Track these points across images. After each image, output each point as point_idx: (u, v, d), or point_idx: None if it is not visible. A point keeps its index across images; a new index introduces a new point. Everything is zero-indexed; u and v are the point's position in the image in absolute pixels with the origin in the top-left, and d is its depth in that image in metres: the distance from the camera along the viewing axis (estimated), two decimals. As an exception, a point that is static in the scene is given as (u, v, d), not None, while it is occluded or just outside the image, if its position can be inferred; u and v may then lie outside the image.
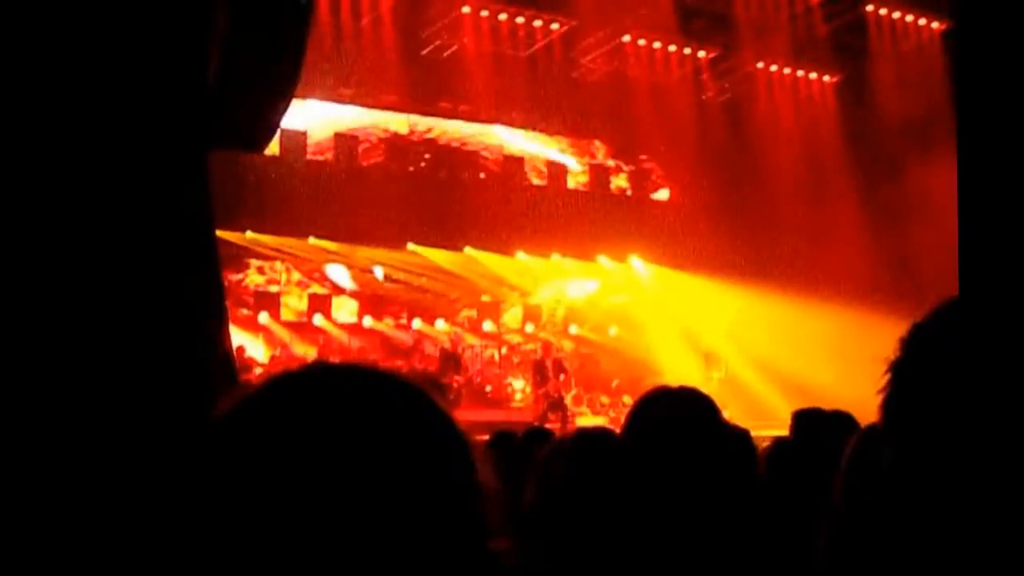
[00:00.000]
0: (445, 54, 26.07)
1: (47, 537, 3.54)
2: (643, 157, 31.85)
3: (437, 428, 1.37)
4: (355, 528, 1.25)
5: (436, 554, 1.29)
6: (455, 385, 23.99)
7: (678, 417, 3.18)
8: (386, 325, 28.34)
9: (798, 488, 4.15)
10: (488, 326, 29.63)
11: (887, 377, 1.58)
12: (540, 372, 24.36)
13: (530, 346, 29.30)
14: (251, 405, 1.35)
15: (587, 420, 23.88)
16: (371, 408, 1.33)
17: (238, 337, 22.85)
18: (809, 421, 4.83)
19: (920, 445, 1.51)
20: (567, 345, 29.60)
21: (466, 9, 24.33)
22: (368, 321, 27.96)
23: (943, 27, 25.13)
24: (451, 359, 24.85)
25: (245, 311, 26.09)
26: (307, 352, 25.73)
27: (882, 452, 1.60)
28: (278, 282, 27.82)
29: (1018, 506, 1.41)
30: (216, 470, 1.31)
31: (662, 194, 31.97)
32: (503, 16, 24.91)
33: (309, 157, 27.34)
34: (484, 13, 24.74)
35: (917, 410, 1.53)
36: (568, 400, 24.83)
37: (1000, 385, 1.44)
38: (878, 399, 1.62)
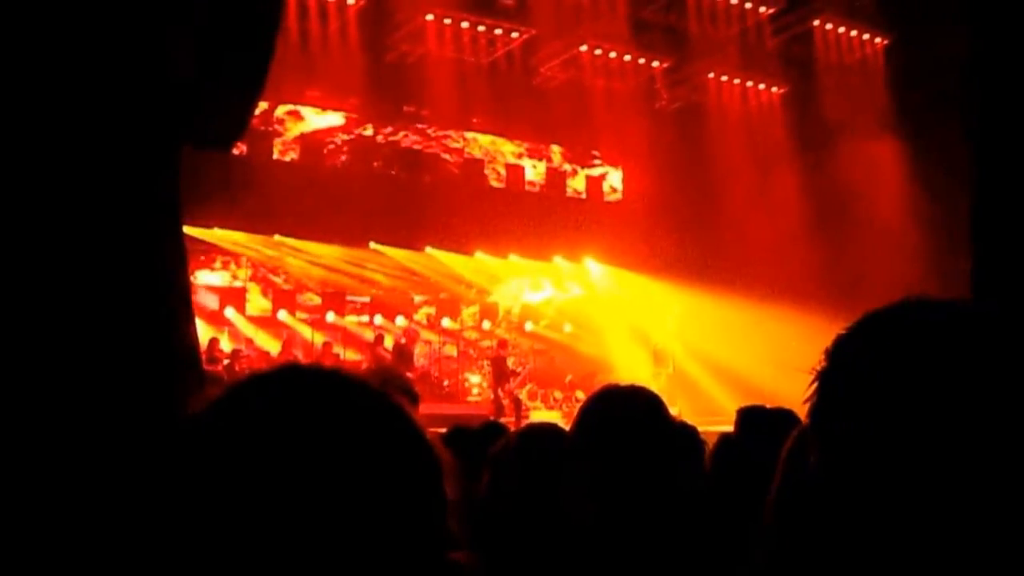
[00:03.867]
0: (409, 60, 26.06)
1: (15, 526, 3.50)
2: (598, 162, 32.00)
3: (405, 439, 1.36)
4: (317, 531, 1.24)
5: (395, 560, 1.28)
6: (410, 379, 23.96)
7: (626, 414, 3.18)
8: (348, 321, 28.33)
9: (742, 482, 4.17)
10: (447, 323, 29.66)
11: (813, 386, 1.60)
12: (499, 368, 24.43)
13: (487, 343, 29.40)
14: (223, 409, 1.34)
15: (541, 415, 23.95)
16: (341, 417, 1.32)
17: (205, 331, 22.77)
18: (752, 417, 4.84)
19: (842, 453, 1.52)
20: (523, 343, 29.67)
21: (429, 17, 24.31)
22: (331, 316, 27.93)
23: (886, 42, 25.36)
24: (402, 354, 24.81)
25: (211, 306, 25.99)
26: (271, 346, 25.71)
27: (810, 457, 1.61)
28: (244, 278, 27.75)
29: (934, 515, 1.42)
30: (184, 471, 1.30)
31: (616, 197, 32.10)
32: (465, 24, 24.91)
33: (275, 157, 27.31)
34: (447, 21, 24.73)
35: (839, 419, 1.54)
36: (523, 395, 24.92)
37: (919, 396, 1.45)
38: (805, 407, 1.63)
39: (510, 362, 25.26)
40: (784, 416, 4.68)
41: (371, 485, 1.28)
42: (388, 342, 26.35)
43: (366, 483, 1.28)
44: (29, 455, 3.78)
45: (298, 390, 1.35)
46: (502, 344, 25.69)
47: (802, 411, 1.65)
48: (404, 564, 1.29)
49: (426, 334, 29.16)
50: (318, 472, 1.26)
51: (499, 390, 24.23)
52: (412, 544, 1.30)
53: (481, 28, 25.11)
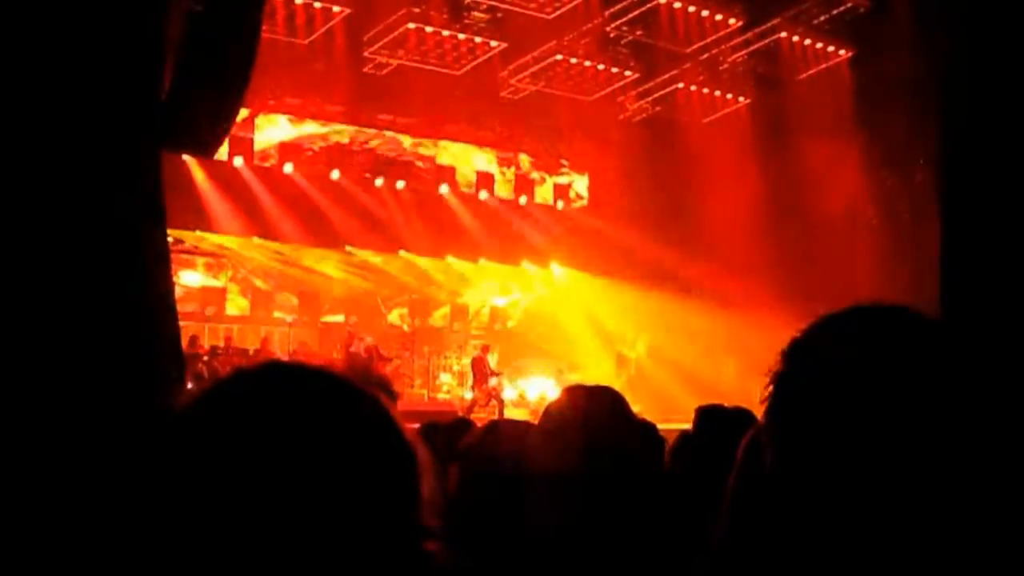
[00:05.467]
0: (385, 71, 26.02)
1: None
2: (565, 170, 32.05)
3: (385, 434, 1.37)
4: (299, 523, 1.25)
5: (373, 550, 1.29)
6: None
7: (590, 410, 3.20)
8: (324, 320, 28.33)
9: (700, 477, 4.18)
10: (418, 323, 29.69)
11: (769, 388, 1.61)
12: (479, 368, 24.46)
13: (457, 342, 29.50)
14: (209, 403, 1.34)
15: (508, 411, 23.97)
16: (322, 412, 1.33)
17: (185, 329, 22.74)
18: (711, 416, 4.87)
19: (796, 451, 1.54)
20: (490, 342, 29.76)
21: (407, 28, 24.23)
22: (307, 316, 27.93)
23: (849, 54, 25.41)
24: (373, 356, 24.85)
25: (192, 305, 25.92)
26: (250, 344, 25.67)
27: (765, 456, 1.62)
28: (224, 278, 27.73)
29: (883, 512, 1.44)
30: (170, 464, 1.30)
31: (581, 204, 32.15)
32: (440, 36, 24.80)
33: (256, 163, 27.27)
34: (423, 34, 24.62)
35: (794, 420, 1.56)
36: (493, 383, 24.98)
37: (870, 398, 1.47)
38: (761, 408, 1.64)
39: (492, 362, 25.24)
40: (741, 415, 4.71)
41: (352, 477, 1.29)
42: (365, 341, 26.43)
43: (347, 475, 1.29)
44: (12, 449, 3.77)
45: (281, 385, 1.36)
46: (485, 348, 25.73)
47: (759, 410, 1.66)
48: (382, 554, 1.30)
49: (398, 333, 29.23)
50: (300, 465, 1.26)
51: (477, 389, 24.34)
52: (390, 535, 1.31)
53: (455, 41, 25.05)
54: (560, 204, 31.82)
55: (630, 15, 24.31)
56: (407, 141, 29.56)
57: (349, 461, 1.30)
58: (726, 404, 5.01)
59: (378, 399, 1.40)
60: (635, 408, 3.55)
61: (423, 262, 29.39)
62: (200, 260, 27.16)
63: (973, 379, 1.48)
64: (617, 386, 3.71)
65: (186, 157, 22.11)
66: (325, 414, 1.33)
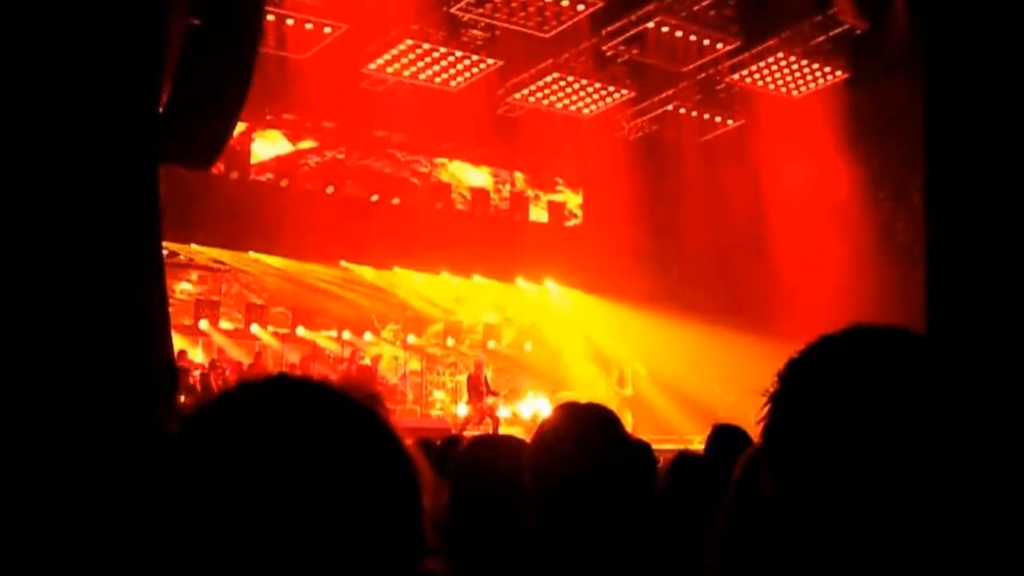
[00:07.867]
0: (381, 87, 26.05)
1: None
2: (560, 188, 32.11)
3: (388, 449, 1.37)
4: (300, 537, 1.24)
5: (376, 566, 1.29)
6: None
7: (584, 428, 3.19)
8: (318, 336, 28.32)
9: (696, 497, 4.18)
10: (412, 339, 29.67)
11: (766, 408, 1.61)
12: (475, 385, 24.47)
13: (451, 359, 29.51)
14: (215, 416, 1.34)
15: (503, 429, 23.98)
16: (328, 426, 1.33)
17: (179, 343, 22.73)
18: (722, 436, 4.89)
19: (793, 473, 1.54)
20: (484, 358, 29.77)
21: (402, 46, 24.26)
22: (301, 331, 27.91)
23: (844, 76, 25.42)
24: (368, 369, 24.88)
25: (186, 319, 25.88)
26: (243, 359, 25.65)
27: (762, 478, 1.62)
28: (218, 292, 27.72)
29: (881, 535, 1.44)
30: (175, 478, 1.29)
31: (576, 222, 32.20)
32: (436, 54, 24.79)
33: (252, 177, 27.28)
34: (419, 51, 24.63)
35: (791, 441, 1.55)
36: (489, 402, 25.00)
37: (866, 420, 1.47)
38: (758, 428, 1.64)
39: (488, 379, 25.23)
40: (740, 434, 4.72)
41: (356, 492, 1.29)
42: (365, 358, 26.48)
43: (352, 490, 1.29)
44: (3, 460, 3.75)
45: (287, 399, 1.36)
46: (480, 365, 25.74)
47: (755, 432, 1.66)
48: (386, 567, 1.29)
49: (392, 350, 29.21)
50: (308, 477, 1.26)
51: (472, 406, 24.37)
52: (393, 548, 1.30)
53: (452, 58, 25.08)
54: (555, 222, 31.88)
55: (626, 34, 24.34)
56: (402, 158, 29.59)
57: (357, 474, 1.31)
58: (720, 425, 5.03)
59: (379, 414, 1.40)
60: (630, 428, 3.55)
61: (417, 278, 29.40)
62: (194, 273, 27.16)
63: (970, 400, 1.48)
64: (612, 406, 3.70)
65: (182, 170, 22.14)
66: (334, 427, 1.33)
